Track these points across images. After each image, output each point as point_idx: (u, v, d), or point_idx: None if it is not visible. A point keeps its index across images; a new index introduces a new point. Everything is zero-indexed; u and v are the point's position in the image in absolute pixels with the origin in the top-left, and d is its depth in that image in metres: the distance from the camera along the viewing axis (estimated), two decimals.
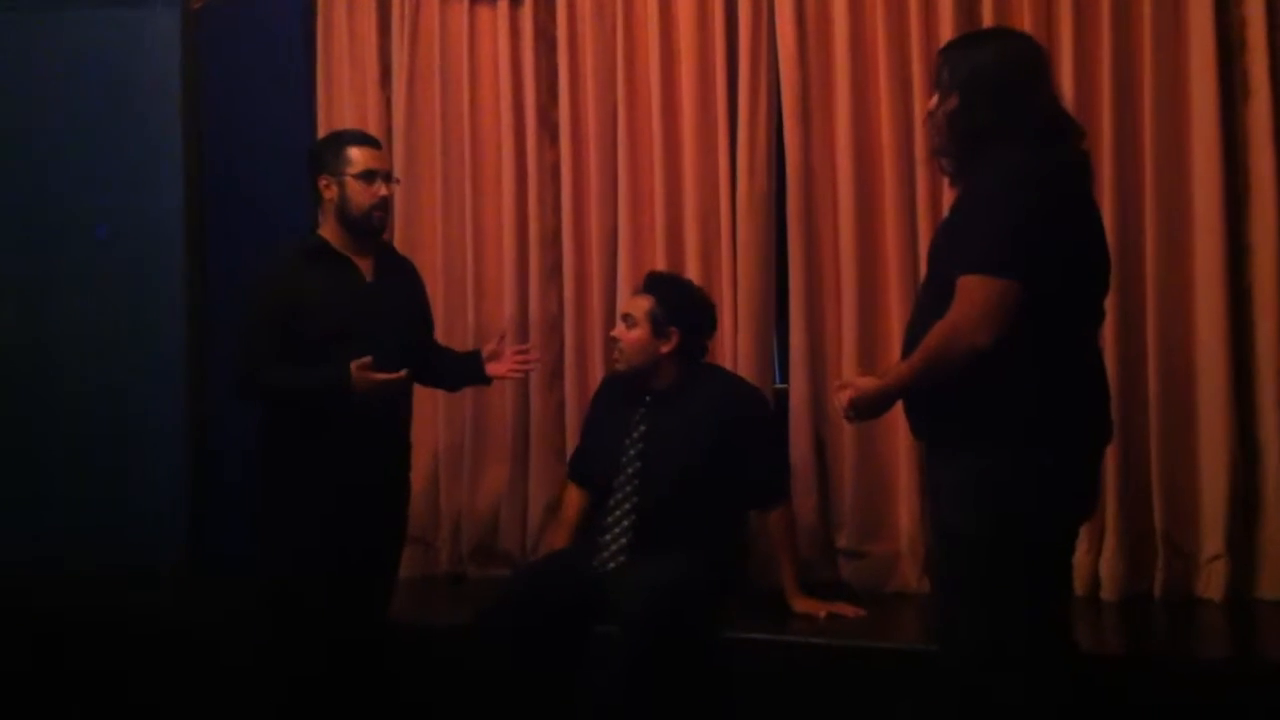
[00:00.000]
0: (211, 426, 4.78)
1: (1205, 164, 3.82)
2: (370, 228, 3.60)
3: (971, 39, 2.88)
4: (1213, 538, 3.80)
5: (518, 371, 3.87)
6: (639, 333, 3.78)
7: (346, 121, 4.68)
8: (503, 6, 4.54)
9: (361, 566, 3.54)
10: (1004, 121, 2.73)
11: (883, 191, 4.14)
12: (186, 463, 4.77)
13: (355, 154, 3.57)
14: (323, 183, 3.57)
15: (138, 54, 4.82)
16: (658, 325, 3.76)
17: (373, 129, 4.59)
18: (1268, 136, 3.80)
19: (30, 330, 4.80)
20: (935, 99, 2.86)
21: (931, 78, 2.96)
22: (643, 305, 3.80)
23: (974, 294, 2.63)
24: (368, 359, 3.36)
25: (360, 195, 3.55)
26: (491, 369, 3.81)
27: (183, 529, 4.74)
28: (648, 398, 3.82)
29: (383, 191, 3.59)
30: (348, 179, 3.55)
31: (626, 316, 3.82)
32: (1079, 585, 3.76)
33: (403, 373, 3.44)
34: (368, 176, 3.56)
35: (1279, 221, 3.77)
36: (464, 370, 3.88)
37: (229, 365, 3.60)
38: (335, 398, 3.40)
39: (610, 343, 3.92)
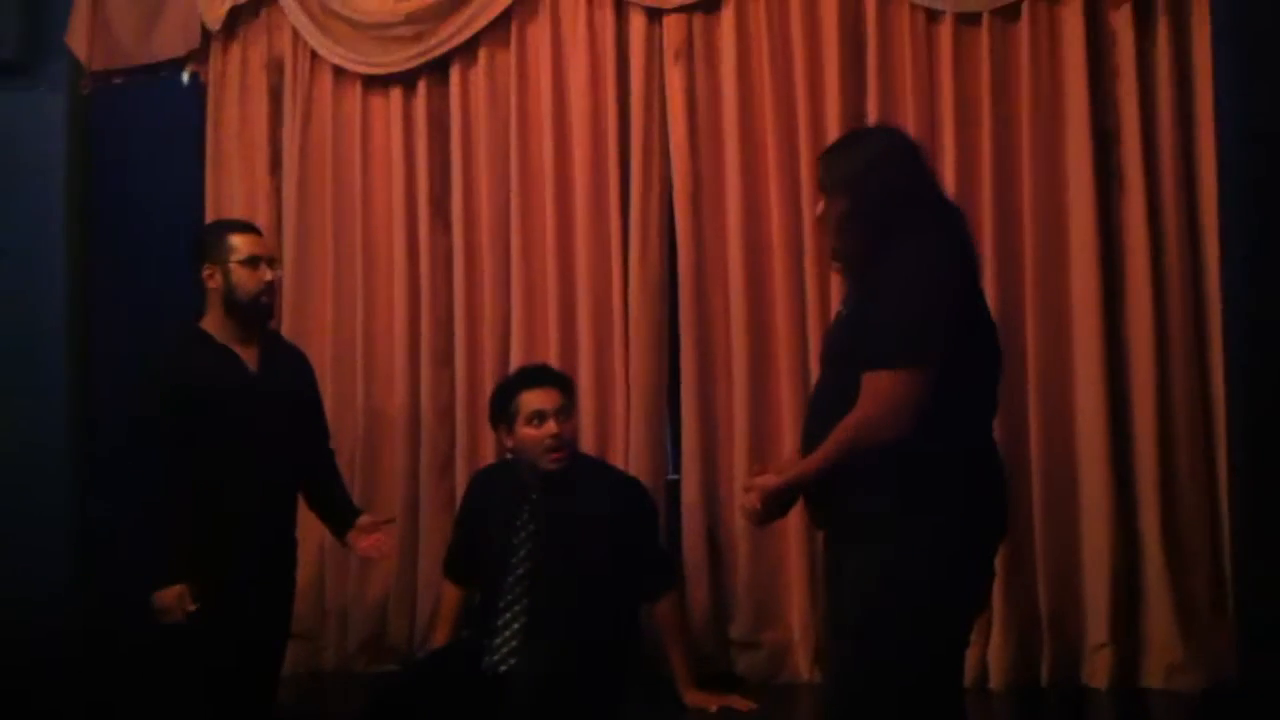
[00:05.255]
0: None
1: (1082, 258, 3.92)
2: (258, 313, 3.58)
3: (847, 142, 2.93)
4: (1097, 625, 3.84)
5: (366, 552, 3.71)
6: (576, 421, 3.78)
7: (236, 206, 4.63)
8: (396, 93, 4.53)
9: (247, 663, 3.45)
10: (894, 217, 2.74)
11: (773, 281, 4.18)
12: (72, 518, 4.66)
13: (237, 240, 3.56)
14: (206, 272, 3.54)
15: (21, 137, 4.75)
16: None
17: (261, 214, 4.57)
18: (1142, 230, 3.90)
19: None
20: (821, 204, 2.87)
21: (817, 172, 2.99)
22: (560, 396, 3.73)
23: (884, 388, 2.61)
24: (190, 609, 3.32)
25: (246, 280, 3.52)
26: (353, 536, 3.68)
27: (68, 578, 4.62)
28: (534, 495, 3.75)
29: (268, 276, 3.57)
30: (232, 265, 3.52)
31: (559, 410, 3.69)
32: (966, 675, 3.75)
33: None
34: (252, 262, 3.54)
35: (1154, 314, 3.87)
36: (334, 515, 3.76)
37: (151, 480, 3.46)
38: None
39: (549, 443, 3.68)
